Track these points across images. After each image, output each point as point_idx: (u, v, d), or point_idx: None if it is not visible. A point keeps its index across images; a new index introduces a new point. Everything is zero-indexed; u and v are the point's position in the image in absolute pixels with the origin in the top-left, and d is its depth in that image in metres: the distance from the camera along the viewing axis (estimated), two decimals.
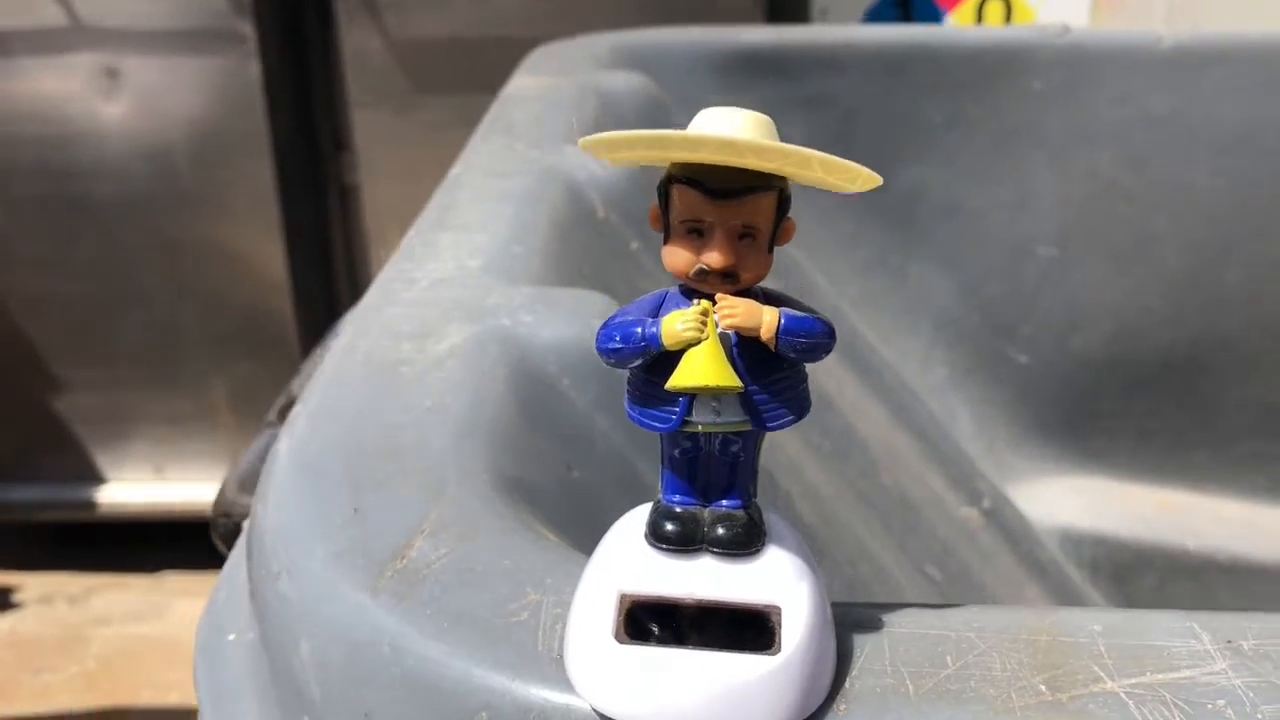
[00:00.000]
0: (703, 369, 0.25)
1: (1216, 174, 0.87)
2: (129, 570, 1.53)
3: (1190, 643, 0.29)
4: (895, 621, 0.30)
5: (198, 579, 1.49)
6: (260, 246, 1.44)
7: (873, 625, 0.30)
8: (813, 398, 0.28)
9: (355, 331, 0.44)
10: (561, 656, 0.28)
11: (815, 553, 0.29)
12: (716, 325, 0.26)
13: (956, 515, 0.83)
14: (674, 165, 0.26)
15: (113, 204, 1.40)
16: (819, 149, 0.26)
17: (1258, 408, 0.91)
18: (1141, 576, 0.90)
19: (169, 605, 1.48)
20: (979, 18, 1.52)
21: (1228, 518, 0.90)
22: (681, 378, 0.25)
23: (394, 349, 0.42)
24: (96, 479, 1.50)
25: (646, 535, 0.28)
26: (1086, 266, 0.91)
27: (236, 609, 0.37)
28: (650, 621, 0.27)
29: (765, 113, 0.28)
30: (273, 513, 0.35)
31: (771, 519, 0.29)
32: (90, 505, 1.48)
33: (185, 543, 1.40)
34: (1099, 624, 0.30)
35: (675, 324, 0.26)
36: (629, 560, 0.28)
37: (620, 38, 0.86)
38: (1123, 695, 0.27)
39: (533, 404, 0.42)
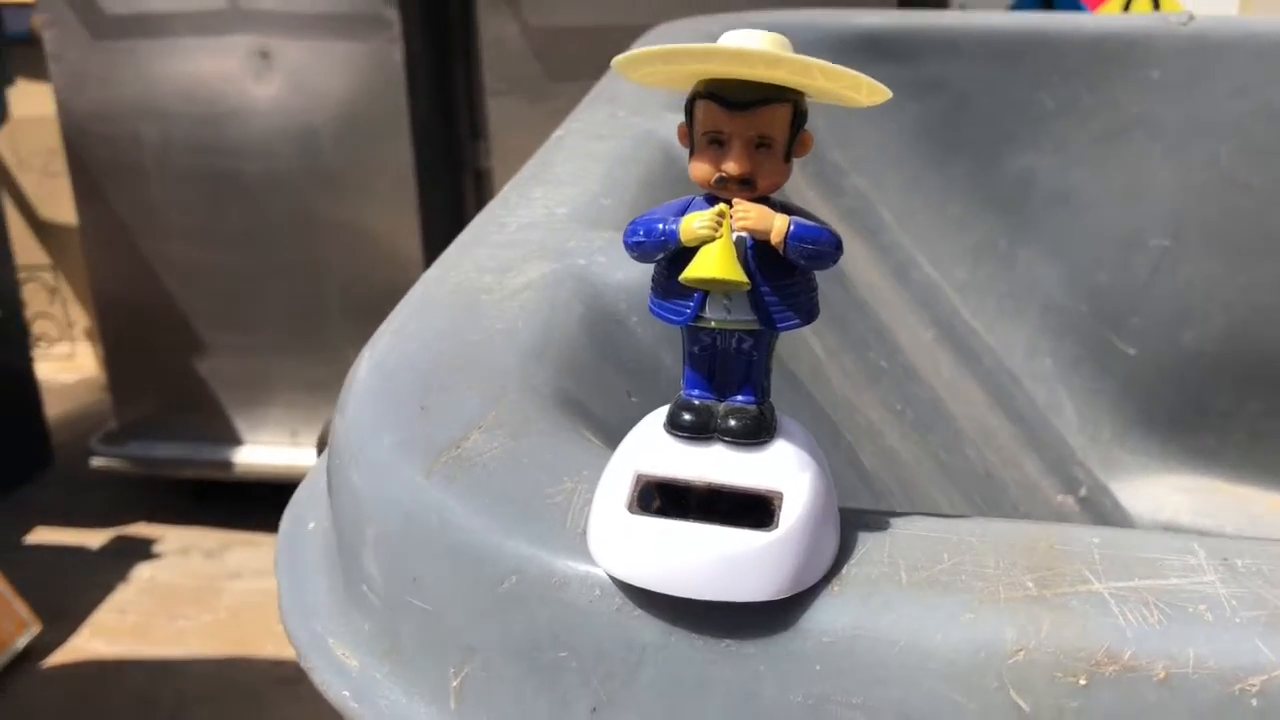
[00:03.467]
0: (713, 263, 0.28)
1: None
2: (261, 529, 1.62)
3: (1186, 558, 0.31)
4: (903, 525, 0.32)
5: None
6: (397, 225, 1.51)
7: (880, 526, 0.32)
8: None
9: (444, 265, 0.48)
10: (585, 531, 0.31)
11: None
12: (731, 227, 0.29)
13: (1051, 501, 0.83)
14: (698, 83, 0.29)
15: (260, 180, 1.49)
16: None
17: None
18: None
19: None
20: (1126, 12, 1.50)
21: None
22: (694, 270, 0.28)
23: (476, 280, 0.46)
24: (235, 440, 1.59)
25: (665, 424, 0.31)
26: (1200, 260, 0.90)
27: (317, 502, 0.41)
28: (667, 499, 0.30)
29: None
30: (350, 411, 0.38)
31: (785, 419, 0.31)
32: (228, 465, 1.57)
33: None
34: (1099, 538, 0.32)
35: (693, 222, 0.29)
36: (649, 445, 0.31)
37: (734, 19, 0.89)
38: (1106, 595, 0.29)
39: (600, 336, 0.45)
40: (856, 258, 0.78)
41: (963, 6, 1.51)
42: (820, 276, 0.31)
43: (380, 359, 0.41)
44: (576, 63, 1.41)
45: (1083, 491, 0.85)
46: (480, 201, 1.58)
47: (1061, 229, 0.91)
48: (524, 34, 1.43)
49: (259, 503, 1.63)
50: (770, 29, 0.29)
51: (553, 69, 1.43)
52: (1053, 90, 0.88)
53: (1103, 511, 0.86)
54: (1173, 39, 0.87)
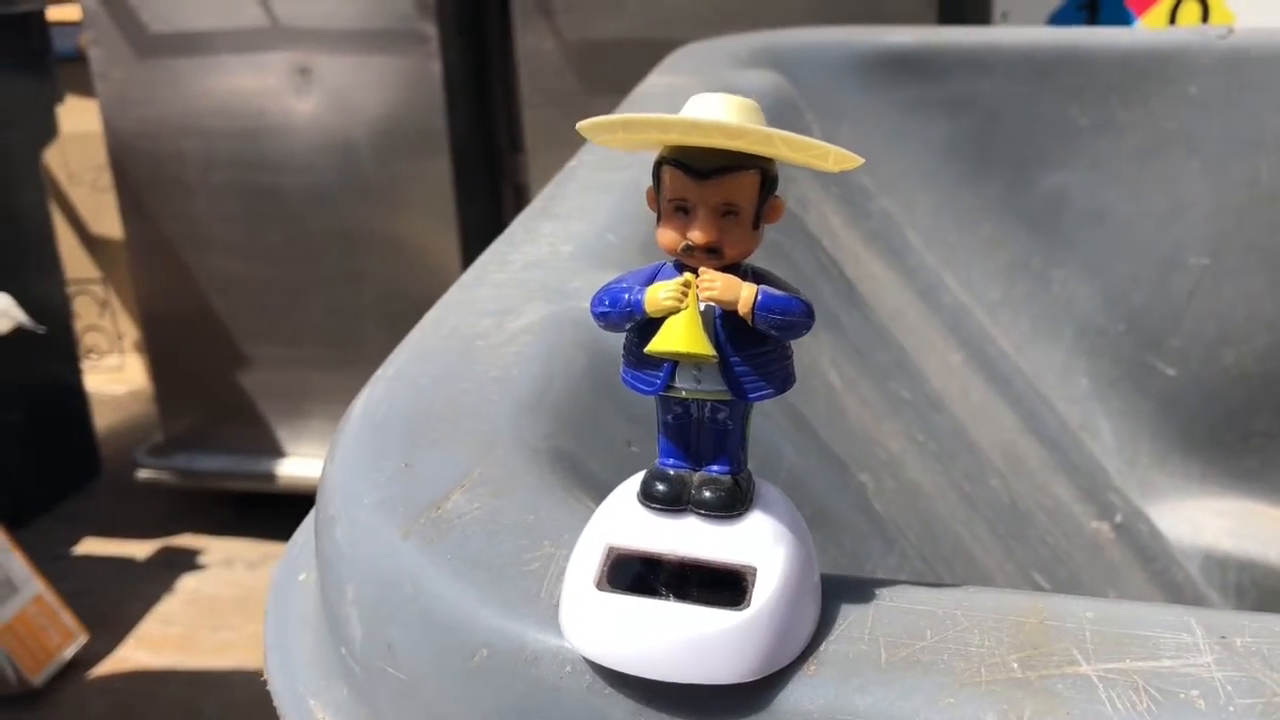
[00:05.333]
0: (678, 336, 0.27)
1: None
2: None
3: (1182, 636, 0.29)
4: (887, 596, 0.31)
5: None
6: (435, 240, 1.51)
7: (863, 597, 0.31)
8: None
9: (444, 307, 0.48)
10: (558, 603, 0.30)
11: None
12: (697, 298, 0.28)
13: (1084, 528, 0.81)
14: (664, 148, 0.28)
15: (300, 194, 1.50)
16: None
17: None
18: None
19: None
20: (1172, 21, 1.46)
21: None
22: (658, 343, 0.27)
23: (474, 324, 0.45)
24: (277, 453, 1.61)
25: (638, 494, 0.30)
26: (1241, 278, 0.87)
27: (309, 552, 0.41)
28: (637, 575, 0.29)
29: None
30: (337, 463, 0.38)
31: (765, 488, 0.30)
32: (270, 477, 1.58)
33: None
34: (1092, 611, 0.30)
35: (659, 293, 0.28)
36: (621, 517, 0.30)
37: (762, 37, 0.87)
38: (1094, 678, 0.28)
39: (601, 382, 0.44)
40: (881, 282, 0.76)
41: (1005, 15, 1.48)
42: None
43: (371, 408, 0.41)
44: (612, 76, 1.41)
45: (1118, 518, 0.83)
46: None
47: (1097, 248, 0.89)
48: (560, 47, 1.42)
49: (300, 515, 1.63)
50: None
51: (589, 82, 1.42)
52: (1086, 106, 0.86)
53: (1139, 538, 0.84)
54: (1211, 53, 0.85)
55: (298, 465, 1.59)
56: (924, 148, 0.87)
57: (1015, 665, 0.28)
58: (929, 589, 0.31)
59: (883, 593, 0.31)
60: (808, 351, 0.32)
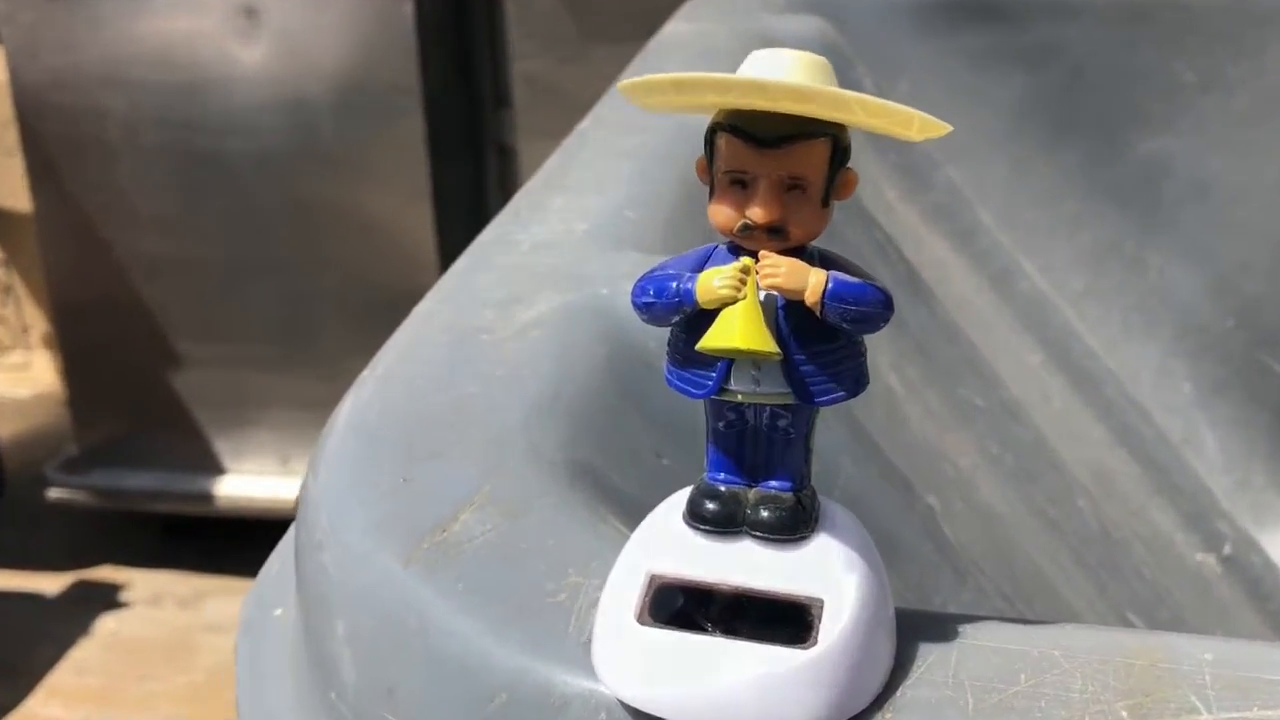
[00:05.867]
0: (735, 330, 0.28)
1: None
2: (245, 574, 1.63)
3: None
4: (971, 633, 0.32)
5: None
6: (407, 214, 1.52)
7: (944, 635, 0.32)
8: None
9: (440, 296, 0.49)
10: (590, 641, 0.31)
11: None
12: (758, 286, 0.29)
13: (1188, 560, 0.82)
14: (719, 112, 0.29)
15: (245, 161, 1.50)
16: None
17: None
18: None
19: None
20: None
21: None
22: (712, 338, 0.28)
23: (476, 315, 0.46)
24: (215, 469, 1.61)
25: (685, 514, 0.31)
26: None
27: (286, 583, 0.42)
28: (684, 608, 0.30)
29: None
30: (321, 479, 0.39)
31: (831, 508, 0.31)
32: (207, 498, 1.59)
33: None
34: (1211, 653, 0.31)
35: (712, 280, 0.29)
36: (665, 541, 0.31)
37: None
38: None
39: (624, 381, 0.45)
40: (947, 267, 0.77)
41: None
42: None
43: (360, 413, 0.42)
44: (616, 20, 1.41)
45: (1226, 549, 0.84)
46: (505, 185, 1.60)
47: (1201, 227, 0.90)
48: None
49: (243, 543, 1.64)
50: None
51: (588, 27, 1.43)
52: (1191, 59, 0.87)
53: (1251, 572, 0.85)
54: None
55: (240, 483, 1.60)
56: (997, 108, 0.88)
57: (1124, 714, 0.29)
58: (1019, 626, 0.33)
59: (966, 630, 0.32)
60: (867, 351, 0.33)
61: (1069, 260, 0.90)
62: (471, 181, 1.60)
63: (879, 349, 0.57)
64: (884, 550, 0.39)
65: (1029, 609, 0.63)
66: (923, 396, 0.63)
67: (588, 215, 0.54)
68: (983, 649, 0.31)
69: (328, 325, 1.55)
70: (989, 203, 0.86)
